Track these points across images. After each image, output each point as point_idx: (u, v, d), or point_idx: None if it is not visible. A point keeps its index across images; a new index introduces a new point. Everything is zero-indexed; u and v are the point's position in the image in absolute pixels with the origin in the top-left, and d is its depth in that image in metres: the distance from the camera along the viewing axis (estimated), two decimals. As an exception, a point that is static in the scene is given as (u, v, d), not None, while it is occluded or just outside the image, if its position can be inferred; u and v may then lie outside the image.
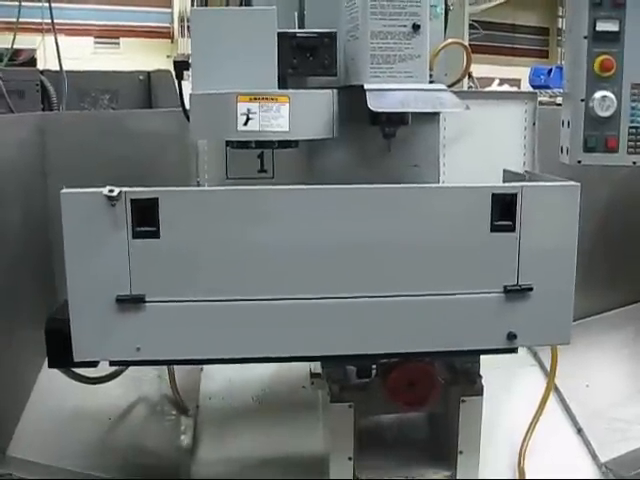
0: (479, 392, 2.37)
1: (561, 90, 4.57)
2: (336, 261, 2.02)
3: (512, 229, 2.02)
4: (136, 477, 2.49)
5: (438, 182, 2.42)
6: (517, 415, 2.71)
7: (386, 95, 2.09)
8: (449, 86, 2.49)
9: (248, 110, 2.08)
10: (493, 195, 2.00)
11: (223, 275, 1.98)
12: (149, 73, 5.00)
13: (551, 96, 5.02)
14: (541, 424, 2.72)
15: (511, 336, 2.06)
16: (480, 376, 2.34)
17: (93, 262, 1.91)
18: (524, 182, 2.09)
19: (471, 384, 2.35)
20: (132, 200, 1.90)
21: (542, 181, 2.16)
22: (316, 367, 2.47)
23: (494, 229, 2.02)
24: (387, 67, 2.15)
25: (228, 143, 2.24)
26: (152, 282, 1.95)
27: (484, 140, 2.78)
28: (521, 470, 2.60)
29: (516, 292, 2.05)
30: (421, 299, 2.04)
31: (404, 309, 2.05)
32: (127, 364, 2.32)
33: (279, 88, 2.05)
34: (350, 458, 2.39)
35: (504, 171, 2.51)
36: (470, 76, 3.13)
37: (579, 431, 2.82)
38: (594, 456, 2.71)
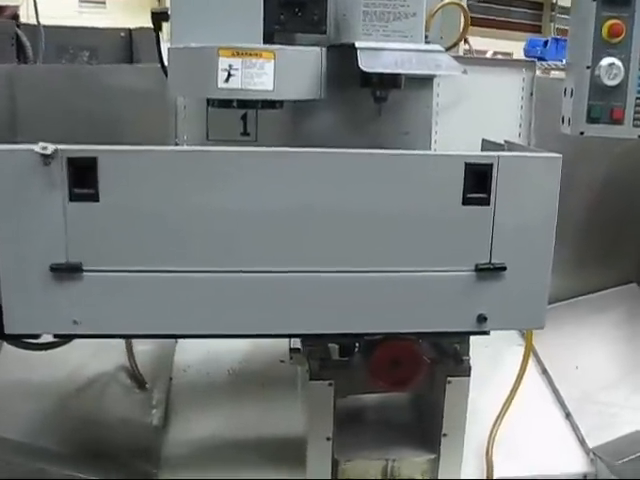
0: (466, 372, 2.25)
1: (557, 63, 4.41)
2: (297, 232, 1.86)
3: (486, 202, 1.87)
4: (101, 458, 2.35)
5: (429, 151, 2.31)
6: (498, 397, 2.58)
7: (379, 55, 1.95)
8: (446, 50, 2.39)
9: (230, 66, 1.94)
10: (466, 165, 1.84)
11: (172, 244, 1.81)
12: (130, 30, 4.80)
13: (546, 68, 4.87)
14: (529, 407, 2.61)
15: (481, 318, 1.92)
16: (468, 356, 2.21)
17: (25, 227, 1.73)
18: (501, 152, 1.93)
19: (458, 364, 2.23)
20: (68, 159, 1.72)
21: (522, 152, 2.04)
22: (296, 342, 2.33)
23: (466, 202, 1.86)
24: (381, 25, 2.01)
25: (209, 102, 2.12)
26: (90, 250, 1.78)
27: (479, 109, 2.68)
28: (489, 460, 2.48)
29: (488, 271, 1.90)
30: (384, 276, 1.89)
31: (365, 286, 1.90)
32: (64, 338, 2.15)
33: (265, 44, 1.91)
34: (329, 438, 2.27)
35: (483, 140, 2.36)
36: (466, 41, 2.97)
37: (567, 415, 2.71)
38: (582, 442, 2.60)
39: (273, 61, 1.95)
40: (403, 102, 2.21)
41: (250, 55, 1.94)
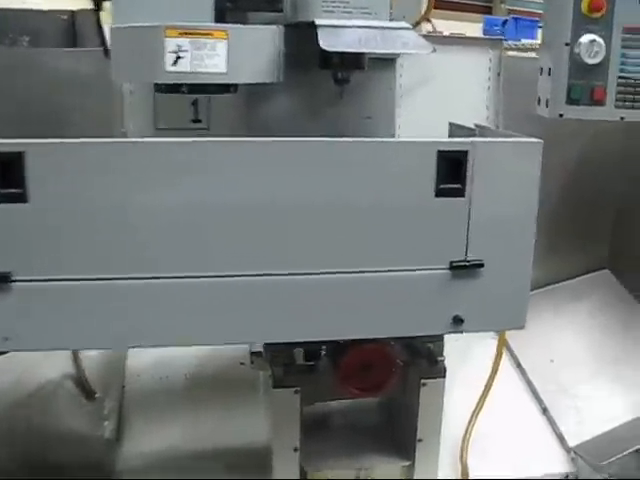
0: (441, 374, 2.10)
1: (516, 42, 4.28)
2: (250, 231, 1.68)
3: (461, 194, 1.71)
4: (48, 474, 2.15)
5: (393, 136, 2.21)
6: (471, 395, 2.45)
7: (341, 33, 1.80)
8: None
9: (178, 47, 1.78)
10: (439, 152, 1.68)
11: (111, 249, 1.62)
12: (73, 12, 4.54)
13: (506, 49, 4.73)
14: (504, 404, 2.49)
15: (457, 320, 1.77)
16: (442, 356, 2.07)
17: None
18: (476, 137, 1.81)
19: (432, 365, 2.08)
20: (-9, 154, 1.49)
21: (497, 137, 1.91)
22: (257, 344, 2.16)
23: (439, 193, 1.70)
24: (342, 1, 1.86)
25: (156, 87, 1.94)
26: (20, 257, 1.58)
27: (444, 91, 2.57)
28: (463, 464, 2.35)
29: (464, 269, 1.75)
30: (349, 277, 1.72)
31: (329, 289, 1.72)
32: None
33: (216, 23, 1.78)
34: (296, 449, 2.11)
35: (450, 125, 2.22)
36: (429, 20, 2.81)
37: (544, 411, 2.59)
38: (561, 439, 2.49)
39: (225, 41, 1.79)
40: (365, 84, 2.09)
41: (200, 35, 1.77)
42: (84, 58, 2.75)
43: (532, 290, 2.80)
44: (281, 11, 1.90)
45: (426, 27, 2.95)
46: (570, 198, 2.93)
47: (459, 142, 1.74)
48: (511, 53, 4.79)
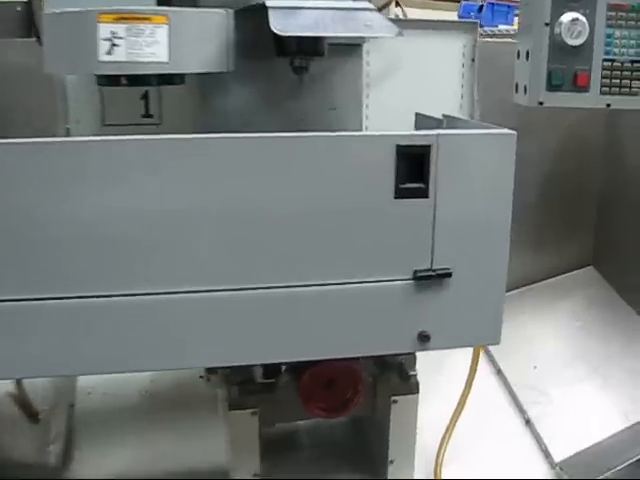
0: (413, 390, 1.91)
1: (492, 29, 4.09)
2: (190, 240, 1.49)
3: (424, 194, 1.52)
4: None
5: (360, 129, 2.09)
6: (446, 406, 2.26)
7: (295, 14, 1.63)
8: None
9: (112, 34, 1.62)
10: (398, 148, 1.49)
11: (47, 264, 1.44)
12: (29, 2, 4.29)
13: (482, 35, 4.54)
14: (483, 414, 2.31)
15: (423, 337, 1.58)
16: (414, 370, 1.88)
17: None
18: (441, 130, 1.58)
19: (404, 380, 1.89)
20: None
21: (465, 128, 1.72)
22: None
23: (400, 194, 1.51)
24: None
25: (97, 79, 1.80)
26: None
27: (415, 79, 2.36)
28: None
29: (430, 279, 1.56)
30: (300, 291, 1.53)
31: (279, 304, 1.53)
32: None
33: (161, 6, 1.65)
34: (256, 474, 1.92)
35: (416, 115, 2.07)
36: (398, 3, 2.62)
37: (527, 422, 2.41)
38: (546, 454, 2.31)
39: (166, 26, 1.62)
40: (328, 73, 1.96)
41: (137, 19, 1.62)
42: (22, 49, 2.54)
43: (512, 289, 2.70)
44: None
45: (395, 12, 2.76)
46: (550, 191, 2.76)
47: (421, 135, 1.53)
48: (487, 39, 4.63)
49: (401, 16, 2.81)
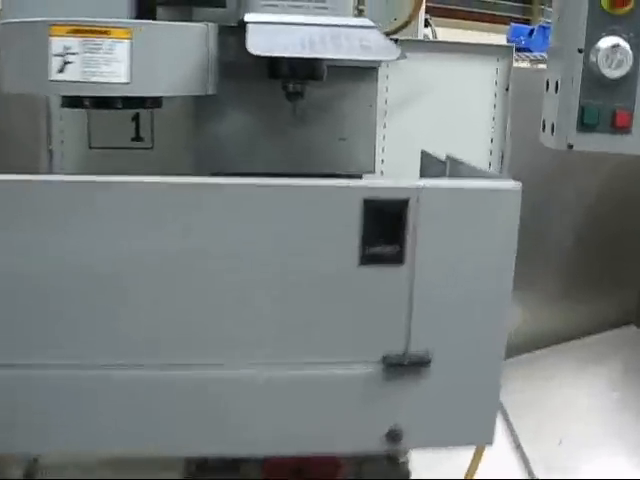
0: (404, 476, 1.60)
1: (543, 54, 3.76)
2: (114, 303, 1.23)
3: (399, 260, 1.22)
4: None
5: (372, 162, 1.87)
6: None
7: (278, 32, 1.41)
8: (393, 32, 1.96)
9: (65, 49, 1.44)
10: (366, 203, 1.20)
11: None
12: None
13: (532, 60, 4.24)
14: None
15: (393, 435, 1.27)
16: (405, 458, 1.58)
17: None
18: (424, 180, 1.27)
19: (393, 467, 1.59)
20: None
21: (469, 176, 1.45)
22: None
23: (366, 260, 1.22)
24: None
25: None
26: None
27: (440, 108, 2.13)
28: None
29: (403, 367, 1.25)
30: (243, 373, 1.24)
31: (218, 390, 1.25)
32: None
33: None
34: None
35: (422, 154, 1.85)
36: (428, 23, 2.35)
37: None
38: None
39: (128, 41, 1.41)
40: (337, 99, 1.80)
41: (94, 33, 1.42)
42: None
43: (540, 348, 2.39)
44: (224, 6, 1.61)
45: (425, 33, 2.49)
46: (589, 237, 2.44)
47: (396, 188, 1.23)
48: (522, 65, 4.33)
49: (431, 37, 2.55)
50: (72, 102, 1.53)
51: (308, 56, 1.36)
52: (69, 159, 2.04)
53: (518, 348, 2.29)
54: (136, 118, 1.91)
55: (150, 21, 1.44)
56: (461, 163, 1.55)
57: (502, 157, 2.17)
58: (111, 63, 1.39)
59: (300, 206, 1.20)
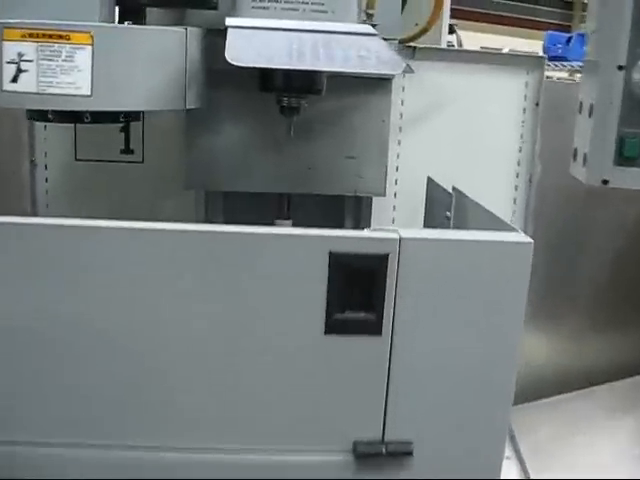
0: None
1: (580, 64, 3.52)
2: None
3: (374, 329, 0.99)
4: None
5: (384, 184, 1.67)
6: None
7: (263, 39, 1.19)
8: (411, 39, 1.80)
9: (20, 55, 1.28)
10: (333, 257, 0.97)
11: None
12: None
13: (569, 71, 3.97)
14: None
15: None
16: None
17: None
18: (407, 230, 1.02)
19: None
20: None
21: (471, 214, 1.27)
22: None
23: (334, 328, 0.99)
24: None
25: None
26: None
27: (463, 124, 1.94)
28: None
29: (378, 457, 1.02)
30: (204, 459, 1.03)
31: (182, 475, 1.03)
32: None
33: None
34: None
35: (428, 181, 1.67)
36: (453, 30, 2.14)
37: None
38: None
39: (90, 47, 1.21)
40: (345, 113, 1.61)
41: (51, 37, 1.24)
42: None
43: (567, 390, 2.16)
44: (215, 8, 1.41)
45: (449, 40, 2.28)
46: (624, 270, 2.19)
47: (371, 239, 1.00)
48: (558, 75, 4.07)
49: (455, 44, 2.32)
50: (34, 115, 1.35)
51: (294, 68, 1.16)
52: (53, 172, 1.92)
53: (541, 390, 2.08)
54: (126, 129, 1.72)
55: (116, 24, 1.25)
56: (467, 199, 1.33)
57: (530, 180, 1.98)
58: (71, 72, 1.22)
59: (250, 257, 0.98)
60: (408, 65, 1.21)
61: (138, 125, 1.77)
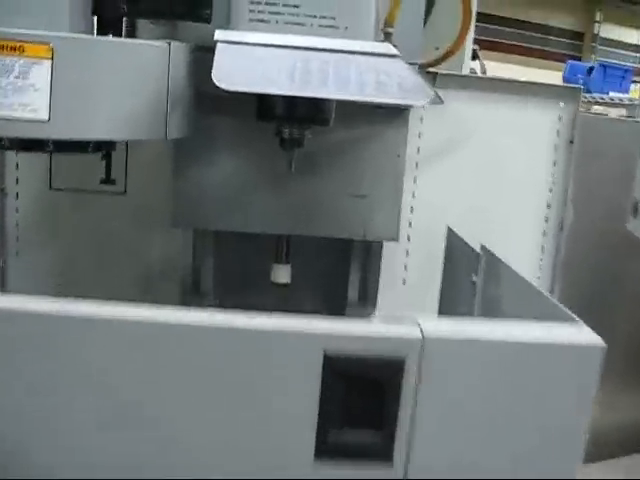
0: None
1: (603, 96, 3.32)
2: None
3: (383, 454, 0.74)
4: None
5: (397, 227, 1.48)
6: None
7: (259, 58, 0.98)
8: (432, 64, 1.61)
9: None
10: (329, 360, 0.72)
11: None
12: None
13: (590, 102, 3.77)
14: None
15: None
16: None
17: None
18: (431, 322, 0.76)
19: None
20: None
21: (507, 285, 1.04)
22: None
23: (326, 451, 0.74)
24: (285, 3, 1.12)
25: None
26: None
27: (487, 161, 1.73)
28: None
29: None
30: None
31: None
32: None
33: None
34: None
35: (449, 233, 1.46)
36: (476, 55, 1.93)
37: None
38: None
39: (48, 62, 1.01)
40: (354, 145, 1.42)
41: (1, 49, 0.99)
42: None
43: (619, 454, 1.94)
44: (208, 21, 1.20)
45: (472, 66, 2.08)
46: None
47: (381, 337, 0.74)
48: (595, 108, 3.87)
49: (479, 71, 2.11)
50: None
51: (296, 94, 0.94)
52: (25, 201, 1.72)
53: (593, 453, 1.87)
54: (107, 156, 1.53)
55: (80, 35, 1.03)
56: (499, 260, 1.09)
57: (562, 226, 1.76)
58: (24, 92, 1.00)
59: (231, 356, 0.73)
60: (437, 94, 0.98)
61: (121, 152, 1.60)
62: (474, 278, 1.17)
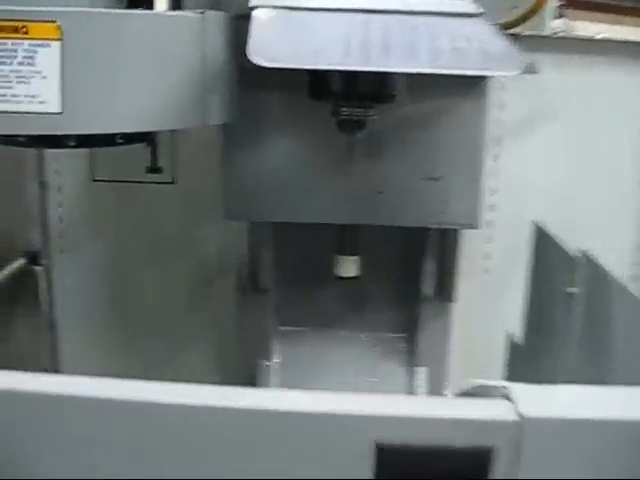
0: None
1: None
2: None
3: None
4: None
5: (477, 211, 1.30)
6: None
7: (304, 25, 0.78)
8: (510, 25, 1.39)
9: None
10: (382, 452, 0.53)
11: None
12: None
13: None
14: None
15: None
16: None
17: None
18: (531, 391, 0.55)
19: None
20: None
21: (615, 307, 0.88)
22: None
23: None
24: None
25: None
26: None
27: (577, 134, 1.59)
28: None
29: None
30: None
31: None
32: None
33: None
34: None
35: (535, 228, 1.27)
36: (560, 14, 1.73)
37: None
38: None
39: (57, 44, 0.83)
40: (427, 122, 1.24)
41: (1, 31, 0.86)
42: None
43: None
44: None
45: (553, 26, 1.87)
46: None
47: (459, 420, 0.53)
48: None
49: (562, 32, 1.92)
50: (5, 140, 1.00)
51: (354, 69, 0.76)
52: (68, 194, 1.64)
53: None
54: (152, 143, 1.39)
55: (94, 9, 0.86)
56: (604, 271, 0.88)
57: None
58: (31, 80, 0.84)
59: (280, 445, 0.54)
60: (530, 63, 0.79)
61: (167, 136, 1.46)
62: (572, 290, 0.97)
